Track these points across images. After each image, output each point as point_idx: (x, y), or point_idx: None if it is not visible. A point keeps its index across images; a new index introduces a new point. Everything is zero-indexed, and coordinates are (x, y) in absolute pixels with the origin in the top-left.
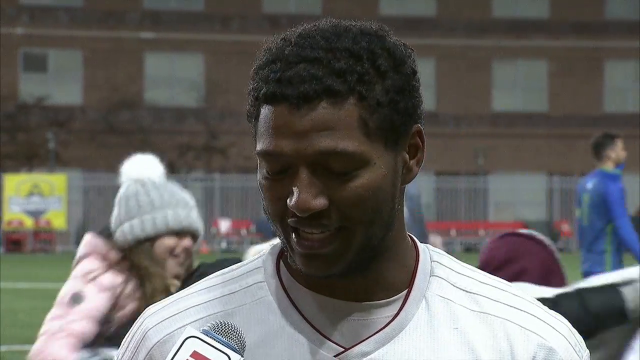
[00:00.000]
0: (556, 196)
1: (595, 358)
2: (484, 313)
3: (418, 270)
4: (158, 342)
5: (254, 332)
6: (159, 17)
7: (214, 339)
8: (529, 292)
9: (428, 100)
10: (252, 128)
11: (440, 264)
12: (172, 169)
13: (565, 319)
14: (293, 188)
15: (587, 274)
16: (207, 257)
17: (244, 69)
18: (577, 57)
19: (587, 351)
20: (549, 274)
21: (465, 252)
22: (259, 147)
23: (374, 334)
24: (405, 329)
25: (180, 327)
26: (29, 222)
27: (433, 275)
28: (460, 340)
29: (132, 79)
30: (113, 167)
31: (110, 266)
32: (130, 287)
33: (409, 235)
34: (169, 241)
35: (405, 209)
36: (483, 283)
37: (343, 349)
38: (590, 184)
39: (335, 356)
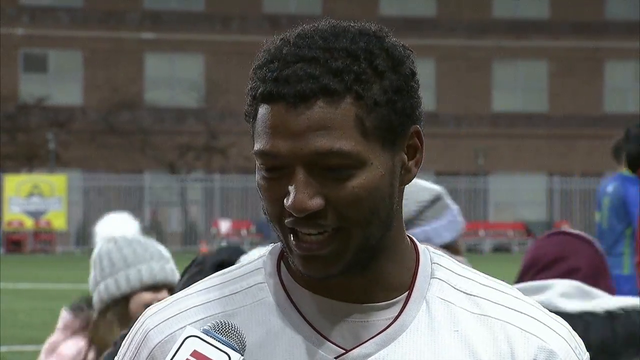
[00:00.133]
0: (556, 196)
1: None
2: (484, 315)
3: (419, 272)
4: (159, 342)
5: (255, 333)
6: (159, 18)
7: (214, 338)
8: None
9: (428, 100)
10: (251, 128)
11: (440, 265)
12: (173, 170)
13: (565, 322)
14: (290, 188)
15: None
16: None
17: (244, 69)
18: (577, 58)
19: (587, 354)
20: (597, 274)
21: (466, 253)
22: (256, 146)
23: (375, 335)
24: (406, 331)
25: (181, 328)
26: (29, 223)
27: (434, 278)
28: (460, 342)
29: (132, 80)
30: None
31: (73, 333)
32: (93, 353)
33: (409, 236)
34: (146, 296)
35: None
36: (483, 285)
37: (344, 351)
38: (610, 187)
39: (335, 358)
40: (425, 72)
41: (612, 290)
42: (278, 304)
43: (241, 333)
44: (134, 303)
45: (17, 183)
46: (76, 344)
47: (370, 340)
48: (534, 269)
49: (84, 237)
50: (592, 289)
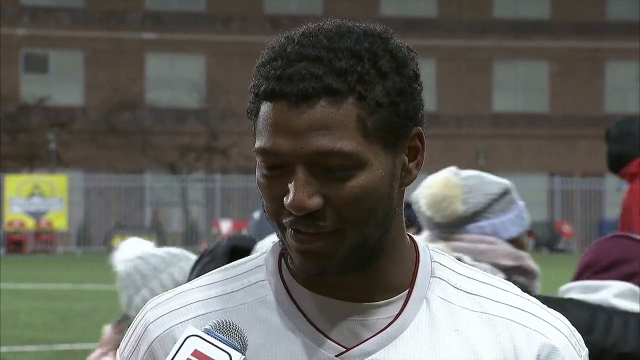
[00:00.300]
0: (557, 197)
1: None
2: (485, 313)
3: (419, 271)
4: (159, 336)
5: (255, 331)
6: (160, 18)
7: (216, 338)
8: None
9: (429, 101)
10: (252, 125)
11: (440, 264)
12: (173, 170)
13: (565, 318)
14: (289, 186)
15: None
16: None
17: (245, 69)
18: (578, 58)
19: (586, 349)
20: None
21: None
22: (257, 144)
23: (375, 334)
24: (406, 330)
25: (181, 322)
26: (29, 223)
27: (434, 277)
28: (461, 341)
29: (133, 80)
30: (114, 167)
31: (114, 348)
32: None
33: (409, 235)
34: None
35: None
36: (484, 283)
37: (344, 349)
38: None
39: (336, 356)
40: (425, 73)
41: None
42: (279, 302)
43: (242, 332)
44: None
45: (17, 183)
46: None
47: (371, 339)
48: (592, 270)
49: (84, 238)
50: None
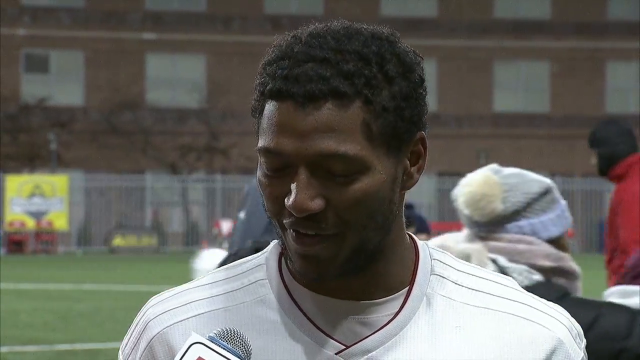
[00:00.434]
0: None
1: None
2: (486, 309)
3: (418, 269)
4: (158, 333)
5: (255, 330)
6: (160, 18)
7: (220, 346)
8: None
9: (429, 101)
10: (256, 123)
11: (440, 261)
12: (174, 170)
13: (565, 311)
14: (291, 186)
15: None
16: None
17: (245, 69)
18: (579, 58)
19: (585, 341)
20: None
21: None
22: (260, 143)
23: (375, 332)
24: (407, 327)
25: (180, 320)
26: (30, 223)
27: (434, 274)
28: (462, 338)
29: (133, 80)
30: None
31: None
32: None
33: (408, 234)
34: None
35: None
36: (483, 279)
37: (344, 347)
38: None
39: (336, 354)
40: (426, 73)
41: None
42: (279, 301)
43: (246, 340)
44: None
45: (18, 183)
46: None
47: (371, 337)
48: (632, 274)
49: (85, 238)
50: None
